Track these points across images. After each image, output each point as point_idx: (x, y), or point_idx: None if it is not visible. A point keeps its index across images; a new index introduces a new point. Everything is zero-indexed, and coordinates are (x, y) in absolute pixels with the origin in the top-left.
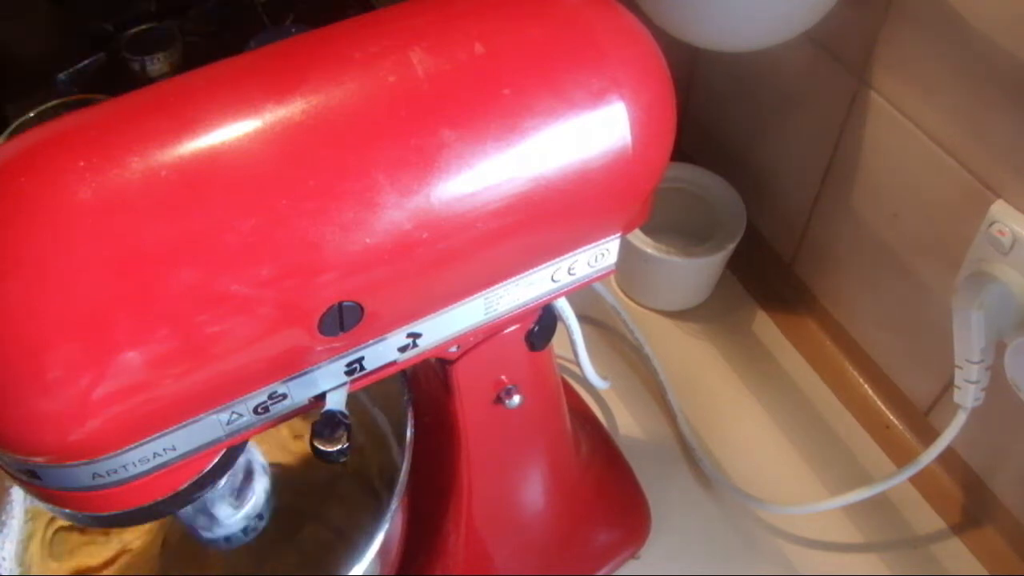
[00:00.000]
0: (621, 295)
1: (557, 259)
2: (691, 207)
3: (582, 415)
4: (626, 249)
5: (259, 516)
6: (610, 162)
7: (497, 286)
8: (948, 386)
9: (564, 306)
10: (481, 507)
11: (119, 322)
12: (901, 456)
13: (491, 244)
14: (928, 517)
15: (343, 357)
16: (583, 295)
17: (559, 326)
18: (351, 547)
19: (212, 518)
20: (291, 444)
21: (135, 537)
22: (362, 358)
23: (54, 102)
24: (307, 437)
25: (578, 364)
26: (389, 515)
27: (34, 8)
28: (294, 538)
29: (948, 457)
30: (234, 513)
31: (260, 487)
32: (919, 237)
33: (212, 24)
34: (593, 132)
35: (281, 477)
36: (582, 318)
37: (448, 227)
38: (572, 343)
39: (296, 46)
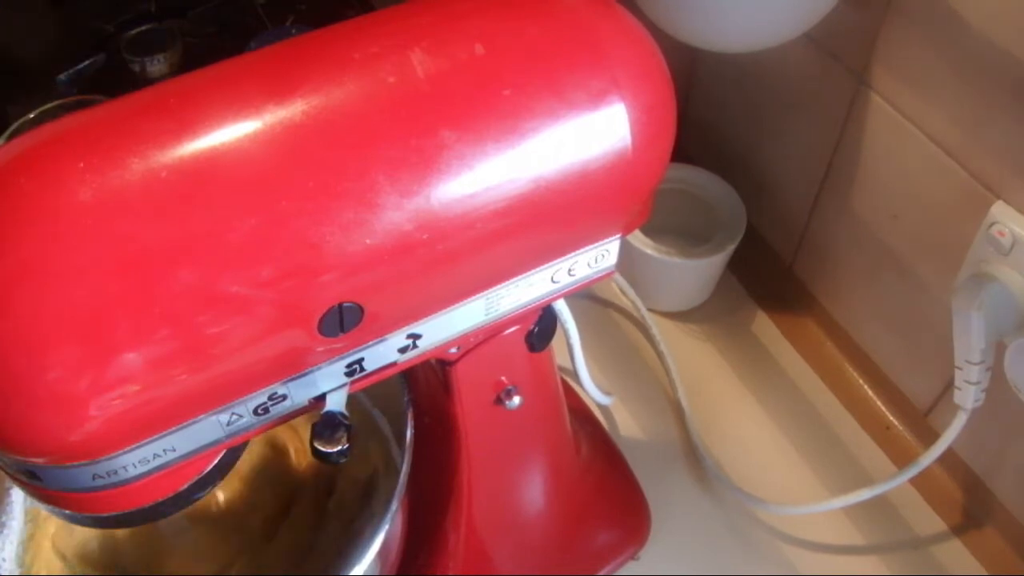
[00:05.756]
0: (633, 294)
1: (557, 260)
2: (691, 207)
3: (582, 415)
4: (626, 249)
5: None
6: (610, 163)
7: (497, 287)
8: (948, 387)
9: (567, 319)
10: (481, 507)
11: (119, 323)
12: (901, 457)
13: (491, 245)
14: (928, 518)
15: (343, 358)
16: (590, 291)
17: (560, 336)
18: (350, 546)
19: None
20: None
21: None
22: (362, 359)
23: (54, 102)
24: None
25: (579, 382)
26: (389, 515)
27: (34, 8)
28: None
29: (948, 458)
30: None
31: None
32: (919, 238)
33: (212, 25)
34: (593, 133)
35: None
36: (585, 317)
37: (448, 228)
38: (572, 358)
39: (296, 47)
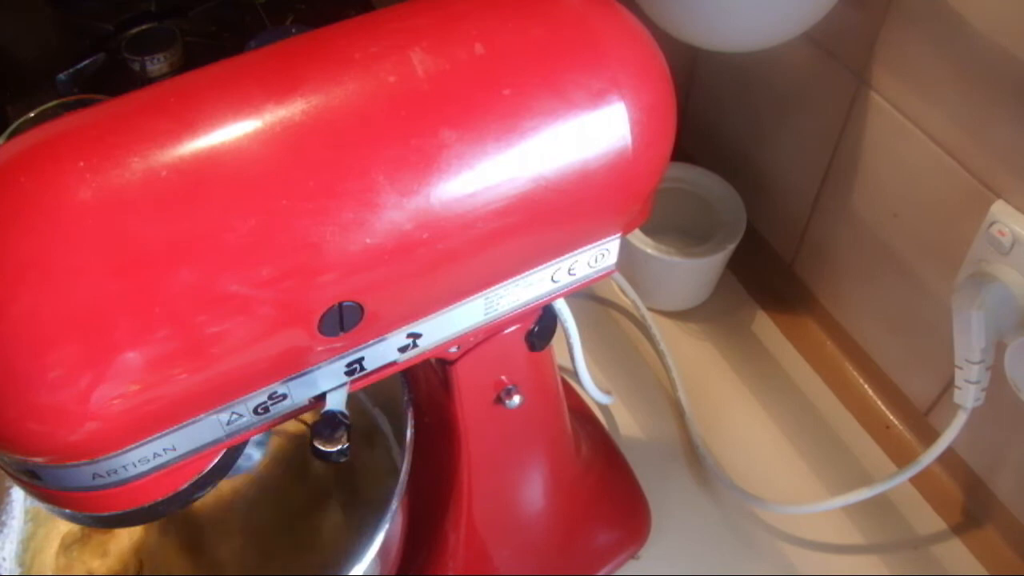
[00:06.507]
0: (633, 293)
1: (557, 259)
2: (691, 207)
3: (582, 415)
4: (626, 249)
5: None
6: (610, 162)
7: (497, 286)
8: (948, 386)
9: (567, 318)
10: (481, 507)
11: (119, 322)
12: (901, 456)
13: (491, 244)
14: (928, 517)
15: (343, 357)
16: (590, 290)
17: (560, 335)
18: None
19: None
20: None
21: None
22: (362, 358)
23: (54, 102)
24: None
25: (579, 381)
26: (389, 515)
27: (34, 8)
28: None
29: (948, 457)
30: None
31: None
32: (919, 237)
33: (212, 24)
34: (593, 133)
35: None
36: (585, 317)
37: (448, 227)
38: (572, 358)
39: (296, 46)
